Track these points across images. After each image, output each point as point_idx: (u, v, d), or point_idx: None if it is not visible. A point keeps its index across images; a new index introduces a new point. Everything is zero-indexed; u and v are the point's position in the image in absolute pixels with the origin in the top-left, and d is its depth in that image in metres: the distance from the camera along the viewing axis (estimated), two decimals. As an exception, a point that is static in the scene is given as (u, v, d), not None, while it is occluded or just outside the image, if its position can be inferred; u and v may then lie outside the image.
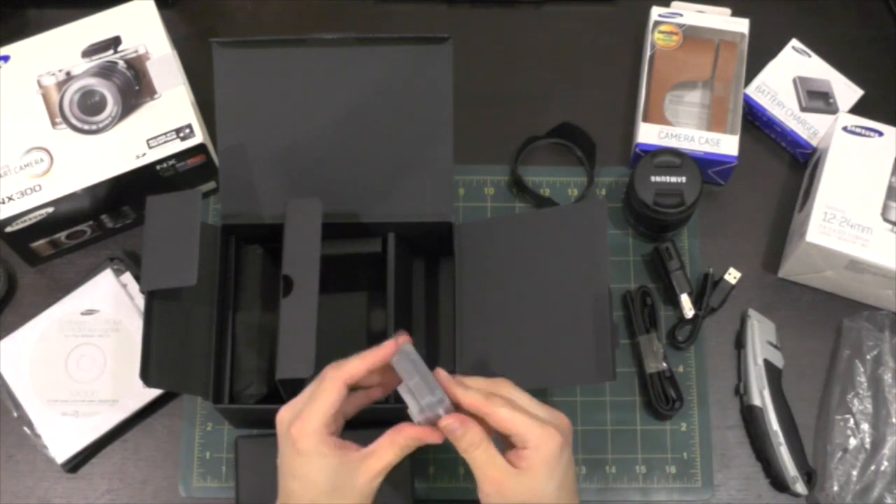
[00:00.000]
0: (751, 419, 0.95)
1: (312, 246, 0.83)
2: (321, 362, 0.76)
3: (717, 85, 1.03)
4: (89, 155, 0.92)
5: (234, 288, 0.92)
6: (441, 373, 0.72)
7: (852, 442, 0.93)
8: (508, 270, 0.88)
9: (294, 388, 0.77)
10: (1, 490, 0.93)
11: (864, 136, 0.97)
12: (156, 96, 0.95)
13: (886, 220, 0.93)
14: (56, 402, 0.93)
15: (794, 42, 1.07)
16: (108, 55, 0.96)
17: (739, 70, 1.03)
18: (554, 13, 1.11)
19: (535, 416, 0.71)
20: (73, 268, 1.00)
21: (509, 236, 0.89)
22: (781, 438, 0.93)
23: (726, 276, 0.98)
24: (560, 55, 1.09)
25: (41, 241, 0.96)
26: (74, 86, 0.94)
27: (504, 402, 0.71)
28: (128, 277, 0.97)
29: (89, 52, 0.96)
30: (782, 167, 1.05)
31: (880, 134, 0.97)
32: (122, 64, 0.95)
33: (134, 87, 0.95)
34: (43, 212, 0.92)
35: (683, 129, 1.01)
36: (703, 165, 0.99)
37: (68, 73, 0.95)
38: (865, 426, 0.93)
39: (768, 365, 0.95)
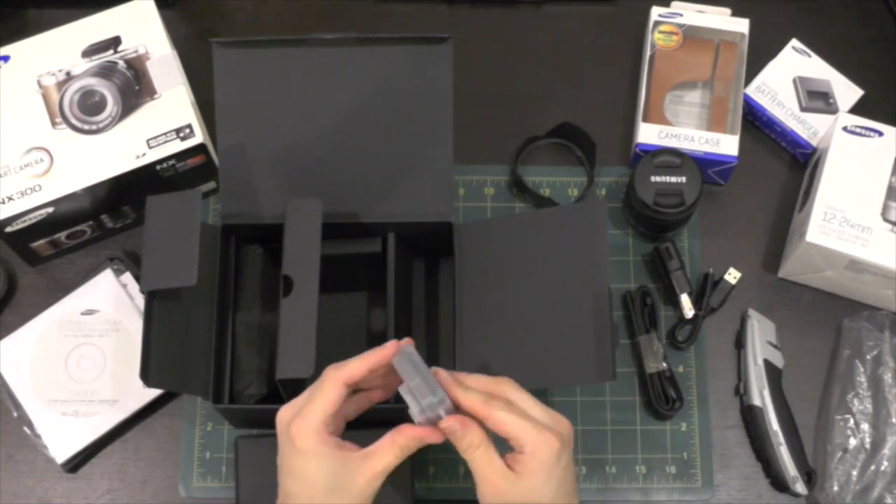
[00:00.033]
0: (751, 419, 0.95)
1: (312, 246, 0.83)
2: (321, 362, 0.76)
3: (717, 85, 1.03)
4: (89, 155, 0.92)
5: (234, 288, 0.92)
6: (441, 372, 0.72)
7: (852, 442, 0.93)
8: (508, 270, 0.88)
9: (294, 388, 0.77)
10: (1, 490, 0.93)
11: (864, 136, 0.97)
12: (156, 96, 0.95)
13: (886, 220, 0.93)
14: (56, 402, 0.93)
15: (794, 42, 1.07)
16: (108, 55, 0.96)
17: (739, 70, 1.03)
18: (554, 13, 1.11)
19: (533, 420, 0.71)
20: (73, 268, 1.00)
21: (509, 236, 0.89)
22: (781, 438, 0.93)
23: (726, 276, 0.98)
24: (560, 55, 1.09)
25: (41, 241, 0.96)
26: (74, 86, 0.94)
27: (503, 406, 0.71)
28: (128, 277, 0.97)
29: (89, 52, 0.96)
30: (782, 167, 1.05)
31: (880, 134, 0.97)
32: (122, 64, 0.95)
33: (134, 87, 0.95)
34: (43, 212, 0.92)
35: (683, 129, 1.01)
36: (703, 165, 0.99)
37: (68, 73, 0.95)
38: (865, 426, 0.93)
39: (768, 365, 0.95)
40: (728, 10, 1.06)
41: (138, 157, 0.93)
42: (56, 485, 0.93)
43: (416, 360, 0.71)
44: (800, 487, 0.92)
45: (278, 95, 0.89)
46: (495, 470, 0.70)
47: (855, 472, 0.92)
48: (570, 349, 0.83)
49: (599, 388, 0.97)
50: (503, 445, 0.72)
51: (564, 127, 1.04)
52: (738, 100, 1.02)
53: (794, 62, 1.06)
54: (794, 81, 1.05)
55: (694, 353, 0.98)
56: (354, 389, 0.76)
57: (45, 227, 0.93)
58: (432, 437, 0.71)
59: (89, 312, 0.96)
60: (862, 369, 0.95)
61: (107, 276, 0.97)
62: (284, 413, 0.73)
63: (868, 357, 0.95)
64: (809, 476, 0.92)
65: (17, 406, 0.93)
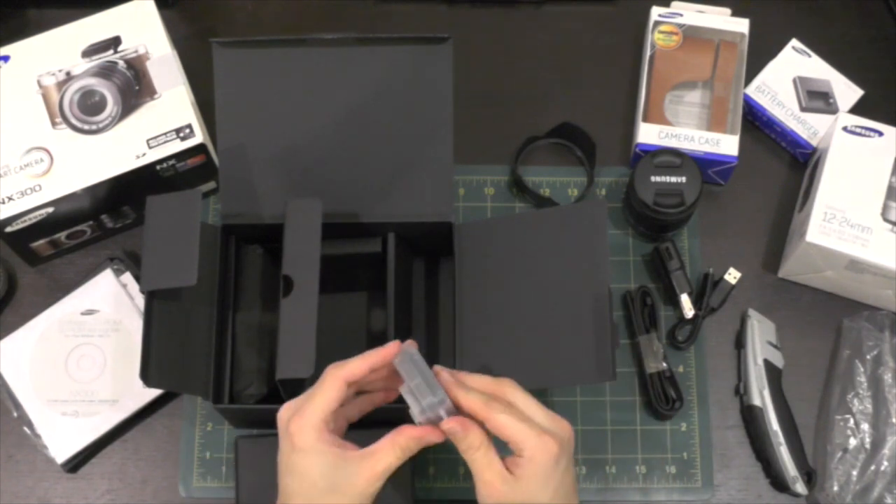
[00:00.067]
0: (751, 419, 0.95)
1: (312, 246, 0.83)
2: (321, 362, 0.76)
3: (717, 85, 1.03)
4: (89, 155, 0.92)
5: (234, 288, 0.92)
6: (443, 372, 0.72)
7: (852, 442, 0.93)
8: (508, 270, 0.88)
9: (294, 388, 0.77)
10: (1, 490, 0.93)
11: (864, 136, 0.97)
12: (156, 96, 0.95)
13: (886, 220, 0.93)
14: (56, 402, 0.93)
15: (794, 42, 1.07)
16: (108, 55, 0.96)
17: (739, 70, 1.03)
18: (554, 13, 1.11)
19: (533, 423, 0.71)
20: (73, 268, 1.00)
21: (509, 236, 0.89)
22: (781, 438, 0.93)
23: (726, 276, 0.98)
24: (560, 55, 1.09)
25: (41, 241, 0.96)
26: (74, 86, 0.94)
27: (503, 408, 0.71)
28: (128, 277, 0.97)
29: (89, 52, 0.96)
30: (782, 167, 1.05)
31: (880, 134, 0.97)
32: (122, 64, 0.95)
33: (134, 87, 0.95)
34: (43, 212, 0.92)
35: (683, 129, 1.01)
36: (703, 165, 0.99)
37: (68, 73, 0.94)
38: (865, 426, 0.93)
39: (768, 365, 0.95)
40: (728, 10, 1.06)
41: (138, 157, 0.93)
42: (56, 485, 0.93)
43: (417, 361, 0.71)
44: (800, 487, 0.92)
45: (278, 95, 0.89)
46: (494, 472, 0.70)
47: (855, 472, 0.92)
48: (570, 349, 0.83)
49: (599, 388, 0.97)
50: (504, 446, 0.72)
51: (564, 127, 1.04)
52: (738, 100, 1.02)
53: (794, 62, 1.06)
54: (794, 81, 1.05)
55: (694, 353, 0.98)
56: (357, 392, 0.76)
57: (45, 227, 0.93)
58: (433, 437, 0.71)
59: (89, 312, 0.96)
60: (862, 369, 0.95)
61: (107, 276, 0.97)
62: (285, 411, 0.73)
63: (868, 357, 0.95)
64: (809, 476, 0.92)
65: (17, 406, 0.93)
